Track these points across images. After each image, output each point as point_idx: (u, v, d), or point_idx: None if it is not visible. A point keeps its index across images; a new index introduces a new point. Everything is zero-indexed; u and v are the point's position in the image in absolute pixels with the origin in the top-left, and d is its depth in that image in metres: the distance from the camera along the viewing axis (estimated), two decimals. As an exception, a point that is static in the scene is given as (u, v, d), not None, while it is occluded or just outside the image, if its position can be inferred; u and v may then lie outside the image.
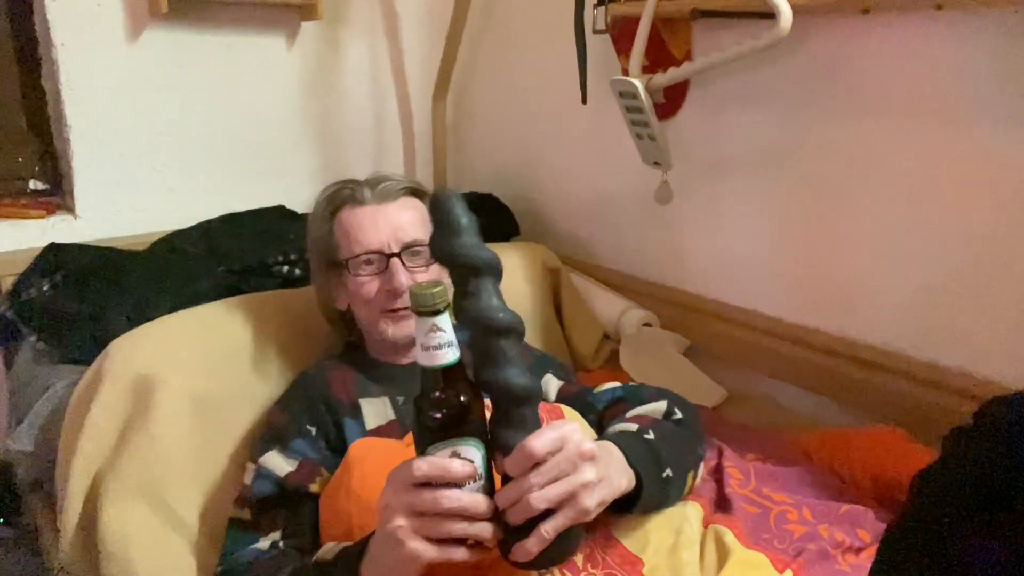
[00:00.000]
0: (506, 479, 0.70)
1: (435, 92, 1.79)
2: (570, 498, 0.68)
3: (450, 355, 0.67)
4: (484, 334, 0.69)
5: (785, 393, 1.30)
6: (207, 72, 1.56)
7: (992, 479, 0.45)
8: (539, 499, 0.67)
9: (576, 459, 0.69)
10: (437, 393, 0.67)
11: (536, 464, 0.67)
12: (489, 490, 0.70)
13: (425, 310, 0.65)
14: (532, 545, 0.68)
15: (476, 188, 1.79)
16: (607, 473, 0.73)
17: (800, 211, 1.24)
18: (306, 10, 1.60)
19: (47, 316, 1.25)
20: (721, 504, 0.92)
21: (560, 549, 0.70)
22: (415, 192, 1.08)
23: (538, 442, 0.67)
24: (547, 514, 0.68)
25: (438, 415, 0.67)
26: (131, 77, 1.47)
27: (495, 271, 0.70)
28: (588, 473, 0.70)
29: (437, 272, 1.03)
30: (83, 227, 1.46)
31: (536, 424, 0.71)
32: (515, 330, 0.70)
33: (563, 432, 0.69)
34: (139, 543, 0.97)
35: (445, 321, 0.66)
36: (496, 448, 0.70)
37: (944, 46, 1.03)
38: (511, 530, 0.69)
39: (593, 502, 0.70)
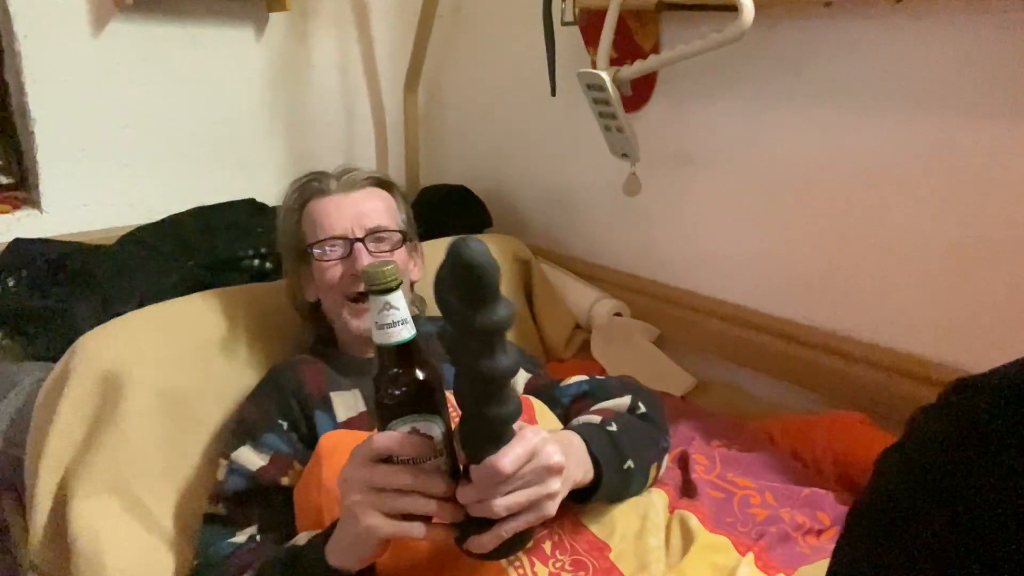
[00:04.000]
0: (468, 470, 0.70)
1: (406, 84, 1.79)
2: (532, 505, 0.69)
3: (405, 332, 0.67)
4: (485, 384, 0.65)
5: (752, 380, 1.33)
6: (174, 64, 1.54)
7: (949, 462, 0.47)
8: (501, 506, 0.67)
9: (543, 472, 0.69)
10: (394, 370, 0.67)
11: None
12: (450, 466, 0.70)
13: (378, 288, 0.66)
14: (488, 541, 0.68)
15: (448, 180, 1.80)
16: (567, 470, 0.73)
17: (766, 202, 1.27)
18: (273, 1, 1.59)
19: (13, 313, 1.24)
20: (687, 490, 0.94)
21: (513, 545, 0.71)
22: (381, 182, 1.10)
23: (507, 460, 0.66)
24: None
25: (396, 392, 0.67)
26: (96, 70, 1.45)
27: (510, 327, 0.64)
28: (553, 485, 0.70)
29: (403, 257, 1.05)
30: (49, 222, 1.45)
31: (510, 436, 0.68)
32: (514, 373, 0.66)
33: (533, 445, 0.68)
34: (110, 540, 0.97)
35: (398, 299, 0.67)
36: (464, 450, 0.69)
37: (904, 39, 1.05)
38: (469, 519, 0.69)
39: (555, 509, 0.71)
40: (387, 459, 0.68)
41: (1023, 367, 0.47)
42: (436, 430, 0.69)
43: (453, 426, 0.71)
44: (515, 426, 0.69)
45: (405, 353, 0.68)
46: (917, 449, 0.50)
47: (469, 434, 0.68)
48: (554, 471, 0.70)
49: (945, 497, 0.45)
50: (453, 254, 0.60)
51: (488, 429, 0.67)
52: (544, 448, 0.69)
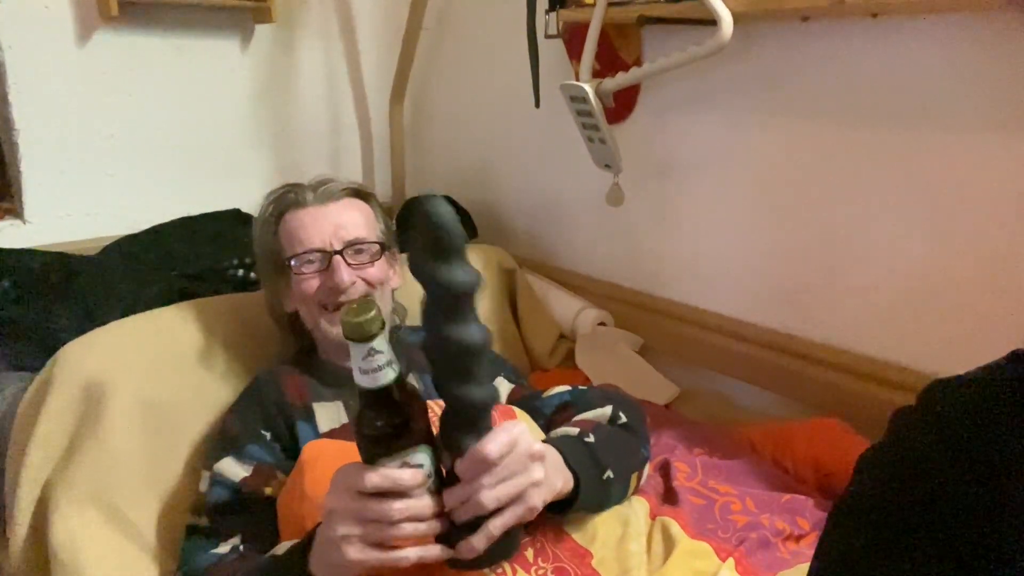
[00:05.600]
0: (453, 473, 0.71)
1: (392, 95, 1.80)
2: (519, 497, 0.70)
3: (390, 374, 0.66)
4: (456, 356, 0.67)
5: (734, 389, 1.34)
6: (159, 75, 1.54)
7: (928, 461, 0.48)
8: (490, 498, 0.68)
9: (526, 459, 0.70)
10: (382, 412, 0.67)
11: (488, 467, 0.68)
12: (437, 486, 0.70)
13: (359, 337, 0.64)
14: (478, 542, 0.69)
15: (434, 191, 1.80)
16: (548, 473, 0.75)
17: (747, 212, 1.28)
18: (260, 12, 1.59)
19: (-6, 323, 1.23)
20: (668, 497, 0.95)
21: (503, 547, 0.71)
22: (358, 193, 1.10)
23: (491, 446, 0.68)
24: (494, 512, 0.69)
25: (385, 431, 0.67)
26: (81, 80, 1.45)
27: (477, 292, 0.68)
28: (537, 472, 0.71)
29: (382, 268, 1.05)
30: (32, 232, 1.44)
31: (488, 427, 0.71)
32: (486, 350, 0.69)
33: (513, 434, 0.70)
34: (91, 551, 0.96)
35: (381, 343, 0.65)
36: (447, 448, 0.71)
37: (881, 53, 1.07)
38: (456, 528, 0.70)
39: (540, 500, 0.72)
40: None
41: (996, 369, 0.48)
42: (424, 458, 0.69)
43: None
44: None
45: (390, 393, 0.67)
46: (895, 449, 0.51)
47: (450, 424, 0.69)
48: (536, 457, 0.71)
49: (922, 495, 0.46)
50: (421, 212, 0.63)
51: (466, 413, 0.68)
52: (523, 437, 0.71)
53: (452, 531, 0.70)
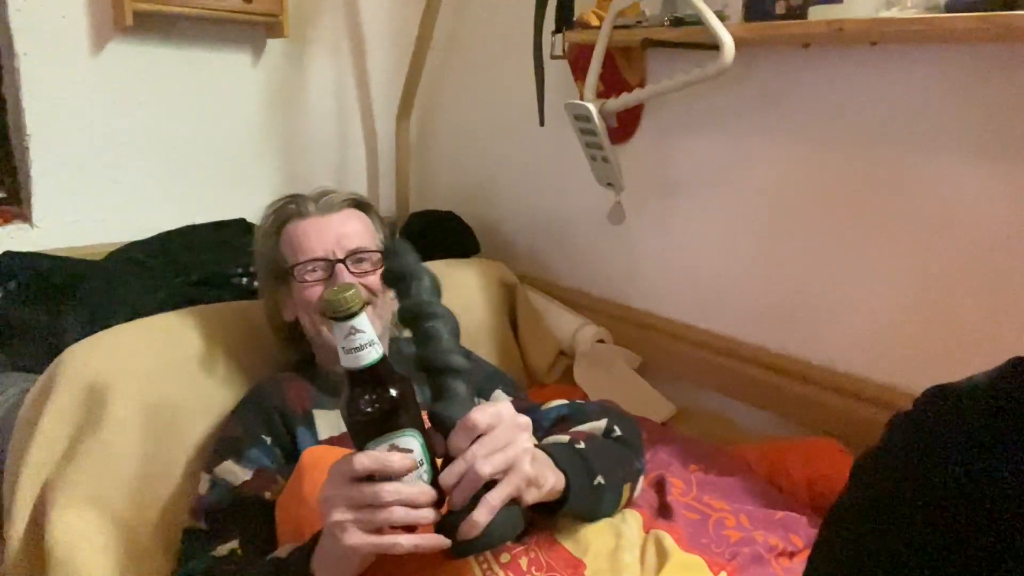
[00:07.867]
0: (446, 462, 0.72)
1: (399, 111, 1.83)
2: (512, 465, 0.71)
3: (373, 354, 0.68)
4: (417, 320, 0.75)
5: (732, 408, 1.35)
6: (171, 86, 1.57)
7: (923, 467, 0.48)
8: (485, 465, 0.69)
9: (513, 429, 0.73)
10: (367, 393, 0.68)
11: (478, 436, 0.71)
12: (431, 475, 0.71)
13: (341, 315, 0.66)
14: (480, 516, 0.69)
15: (438, 206, 1.82)
16: (538, 457, 0.77)
17: (746, 234, 1.30)
18: (272, 27, 1.62)
19: (0, 324, 1.24)
20: (663, 511, 0.95)
21: (504, 525, 0.71)
22: (358, 204, 1.12)
23: (479, 415, 0.71)
24: (490, 486, 0.70)
25: (371, 412, 0.68)
26: (94, 89, 1.48)
27: (430, 276, 0.78)
28: (526, 440, 0.74)
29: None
30: (40, 237, 1.45)
31: (471, 402, 0.75)
32: (443, 314, 0.76)
33: (498, 407, 0.74)
34: (89, 552, 0.96)
35: (363, 322, 0.67)
36: (436, 428, 0.73)
37: (878, 78, 1.10)
38: (456, 515, 0.70)
39: (533, 470, 0.74)
40: (368, 476, 0.69)
41: (994, 375, 0.49)
42: (414, 443, 0.70)
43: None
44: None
45: (375, 373, 0.68)
46: (894, 453, 0.51)
47: (436, 403, 0.74)
48: (523, 428, 0.75)
49: (921, 498, 0.47)
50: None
51: (444, 378, 0.74)
52: (508, 409, 0.74)
53: (452, 519, 0.70)
